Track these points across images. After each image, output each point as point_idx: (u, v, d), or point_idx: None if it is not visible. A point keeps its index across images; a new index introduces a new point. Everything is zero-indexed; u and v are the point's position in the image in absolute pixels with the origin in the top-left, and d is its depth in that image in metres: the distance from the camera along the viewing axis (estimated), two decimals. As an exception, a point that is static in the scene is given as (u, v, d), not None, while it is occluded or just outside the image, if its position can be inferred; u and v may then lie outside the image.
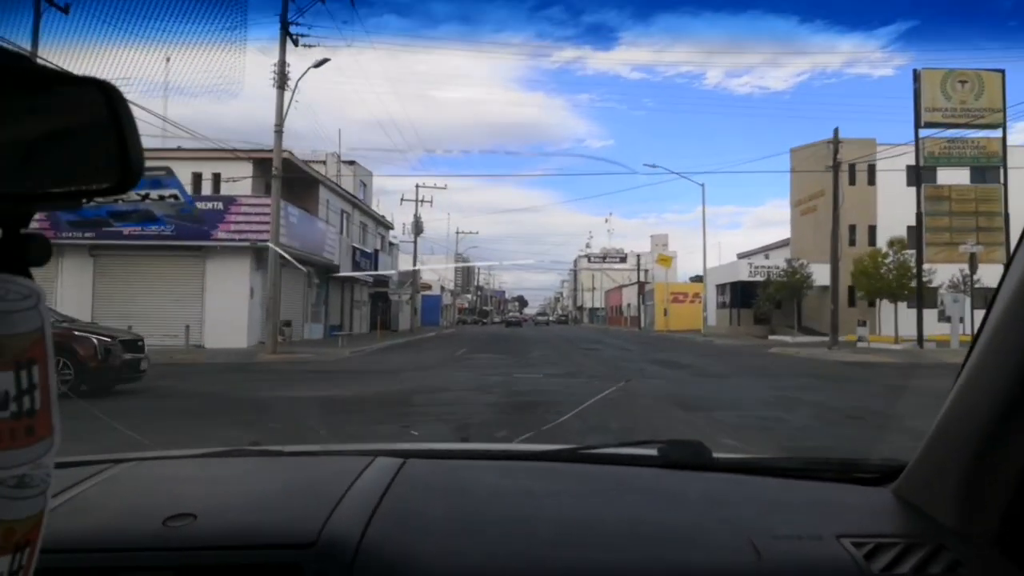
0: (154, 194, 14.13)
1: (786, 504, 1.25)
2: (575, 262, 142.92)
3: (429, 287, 74.55)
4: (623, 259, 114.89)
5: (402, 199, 47.58)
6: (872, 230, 37.34)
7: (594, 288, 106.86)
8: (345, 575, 0.96)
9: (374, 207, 42.47)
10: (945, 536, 1.06)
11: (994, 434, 0.99)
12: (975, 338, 1.04)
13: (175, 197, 14.58)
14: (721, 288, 45.11)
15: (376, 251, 39.38)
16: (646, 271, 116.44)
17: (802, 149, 41.13)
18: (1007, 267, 0.98)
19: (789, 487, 1.35)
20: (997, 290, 0.99)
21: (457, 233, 76.30)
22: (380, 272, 39.28)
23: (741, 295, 41.00)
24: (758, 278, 40.08)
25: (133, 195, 12.70)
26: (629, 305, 74.61)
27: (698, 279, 63.57)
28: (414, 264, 48.10)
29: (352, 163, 38.43)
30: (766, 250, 49.64)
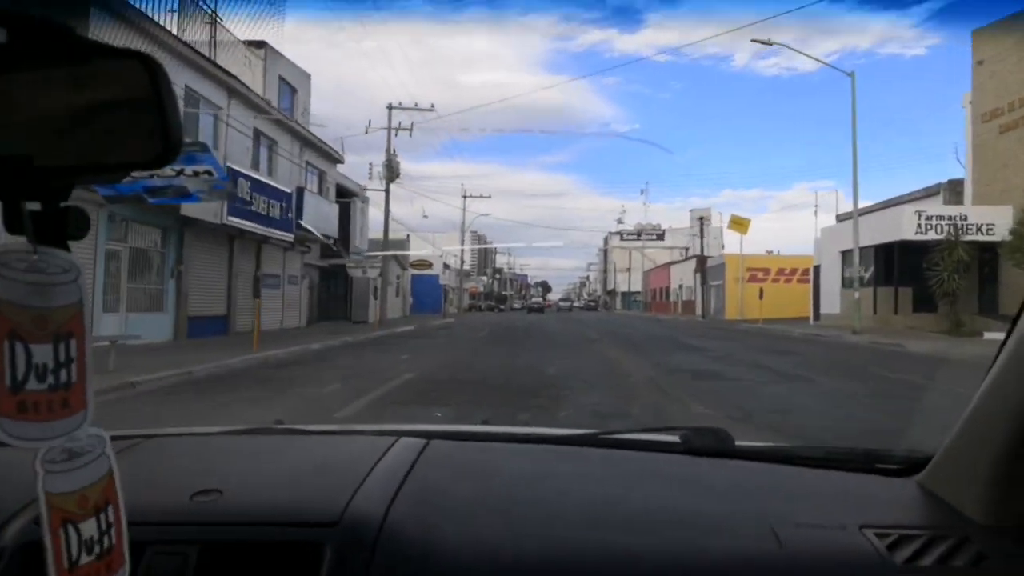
0: (189, 169, 12.53)
1: (809, 493, 1.24)
2: (605, 240, 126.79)
3: (428, 265, 59.52)
4: (660, 236, 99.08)
5: (368, 128, 32.15)
6: None
7: (630, 268, 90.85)
8: (367, 555, 0.95)
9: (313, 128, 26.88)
10: (970, 529, 1.04)
11: None
12: (1011, 328, 1.00)
13: (209, 173, 12.89)
14: (848, 256, 29.35)
15: (300, 191, 23.86)
16: (686, 249, 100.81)
17: (1002, 26, 25.02)
18: None
19: (812, 476, 1.32)
20: None
21: (464, 197, 60.87)
22: (308, 227, 23.85)
23: (899, 265, 25.08)
24: (931, 235, 24.31)
25: (168, 170, 11.51)
26: (681, 287, 58.84)
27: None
28: (385, 225, 32.79)
29: (261, 44, 23.03)
30: (888, 206, 33.47)
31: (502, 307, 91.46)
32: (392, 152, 32.48)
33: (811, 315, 32.55)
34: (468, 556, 0.97)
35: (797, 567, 0.98)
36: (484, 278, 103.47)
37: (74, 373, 0.62)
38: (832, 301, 30.22)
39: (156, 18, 16.14)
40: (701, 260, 52.54)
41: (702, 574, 0.97)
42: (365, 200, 34.87)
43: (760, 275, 44.88)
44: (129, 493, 1.09)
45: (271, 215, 20.79)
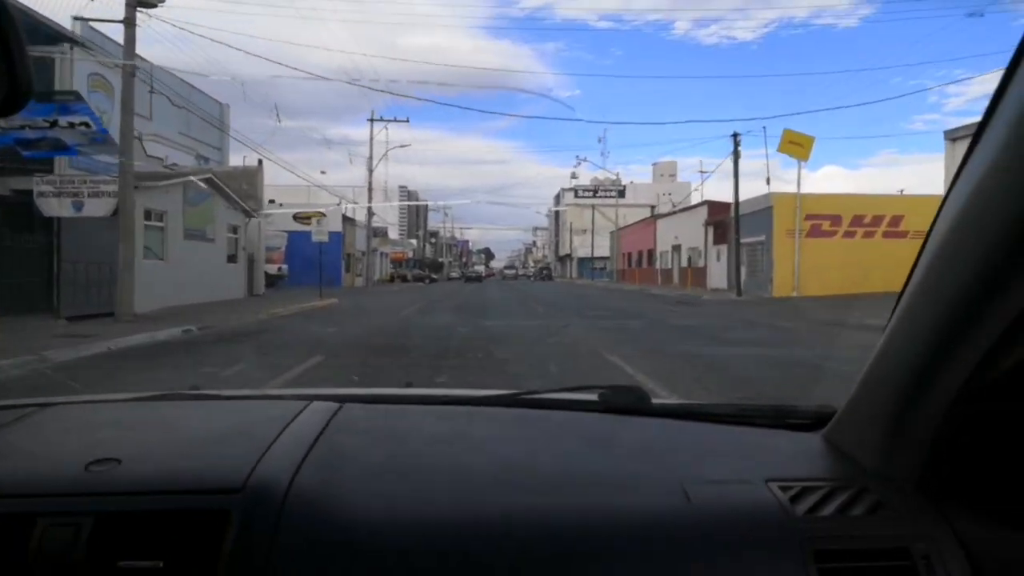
0: (63, 121, 11.65)
1: (719, 449, 1.27)
2: (556, 198, 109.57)
3: (319, 217, 41.45)
4: (620, 192, 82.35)
5: None
6: None
7: (592, 229, 74.04)
8: (273, 521, 0.93)
9: None
10: (869, 479, 1.08)
11: (916, 379, 1.00)
12: (905, 284, 1.01)
13: (86, 124, 12.05)
14: None
15: None
16: (652, 207, 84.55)
17: None
18: (938, 211, 0.92)
19: (724, 433, 1.35)
20: (928, 234, 0.94)
21: (371, 120, 42.61)
22: None
23: None
24: None
25: (41, 121, 11.15)
26: (678, 248, 42.18)
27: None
28: (125, 100, 14.65)
29: None
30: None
31: (435, 276, 73.66)
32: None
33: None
34: (376, 519, 0.96)
35: (703, 522, 0.99)
36: (413, 242, 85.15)
37: None
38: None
39: None
40: (715, 208, 35.82)
41: (610, 532, 0.97)
42: (135, 67, 16.63)
43: (827, 226, 28.41)
44: (19, 463, 1.04)
45: None
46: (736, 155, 28.68)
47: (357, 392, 1.58)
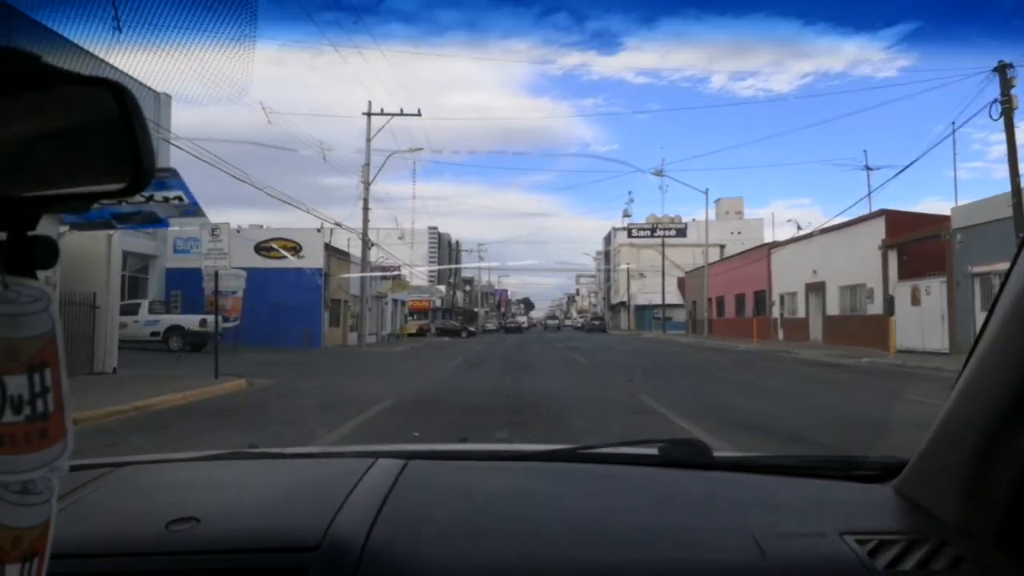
0: (159, 196, 12.27)
1: (788, 502, 1.25)
2: (607, 238, 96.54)
3: (292, 249, 29.13)
4: (681, 231, 68.95)
5: None
6: None
7: (664, 271, 60.37)
8: None
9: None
10: (947, 532, 1.07)
11: (996, 431, 1.00)
12: (979, 335, 1.03)
13: (179, 199, 12.57)
14: None
15: None
16: (721, 247, 70.95)
17: None
18: (1013, 261, 0.96)
19: (791, 485, 1.34)
20: (1003, 286, 0.97)
21: (368, 114, 30.39)
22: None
23: None
24: None
25: (138, 197, 11.00)
26: (819, 287, 28.56)
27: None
28: None
29: None
30: None
31: (471, 329, 60.92)
32: None
33: None
34: (450, 575, 0.98)
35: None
36: (442, 288, 72.67)
37: (51, 403, 0.60)
38: None
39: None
40: (922, 219, 22.33)
41: None
42: None
43: None
44: (102, 524, 1.11)
45: None
46: (1008, 100, 15.31)
47: (420, 448, 1.61)
